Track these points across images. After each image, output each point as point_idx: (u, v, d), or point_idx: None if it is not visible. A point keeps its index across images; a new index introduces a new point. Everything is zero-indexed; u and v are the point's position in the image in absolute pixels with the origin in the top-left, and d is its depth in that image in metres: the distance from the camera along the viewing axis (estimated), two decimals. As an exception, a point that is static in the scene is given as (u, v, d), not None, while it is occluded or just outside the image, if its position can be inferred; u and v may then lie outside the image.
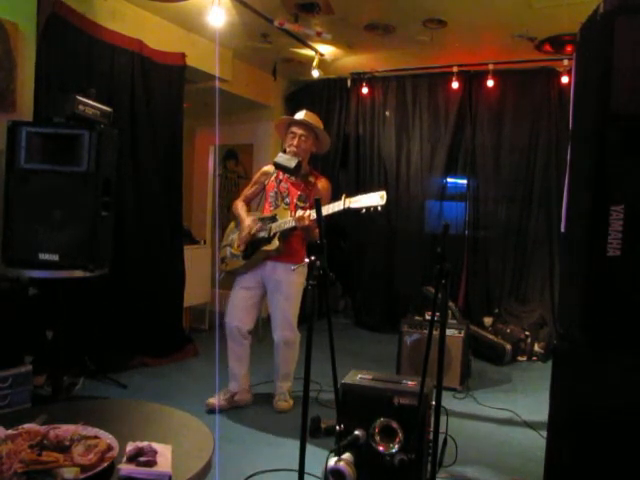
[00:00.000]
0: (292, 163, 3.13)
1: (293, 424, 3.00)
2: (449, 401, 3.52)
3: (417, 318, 4.00)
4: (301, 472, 1.83)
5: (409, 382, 2.34)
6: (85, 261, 2.94)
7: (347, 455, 1.94)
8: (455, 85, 5.33)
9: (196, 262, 4.91)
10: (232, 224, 3.50)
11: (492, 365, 4.56)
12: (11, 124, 2.94)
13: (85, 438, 1.41)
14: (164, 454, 1.41)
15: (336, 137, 5.85)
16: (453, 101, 5.48)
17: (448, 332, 3.57)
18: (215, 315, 4.67)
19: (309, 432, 2.23)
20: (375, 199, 2.75)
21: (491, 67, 5.11)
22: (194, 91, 4.93)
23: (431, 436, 1.99)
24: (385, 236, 5.76)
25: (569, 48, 4.48)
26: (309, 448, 1.96)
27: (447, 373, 3.64)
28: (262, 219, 3.29)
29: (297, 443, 1.88)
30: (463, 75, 5.36)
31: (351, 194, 2.88)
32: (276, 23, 4.16)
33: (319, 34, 4.35)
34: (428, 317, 3.91)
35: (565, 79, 4.93)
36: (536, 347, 4.82)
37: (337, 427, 2.02)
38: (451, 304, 4.10)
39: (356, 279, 6.00)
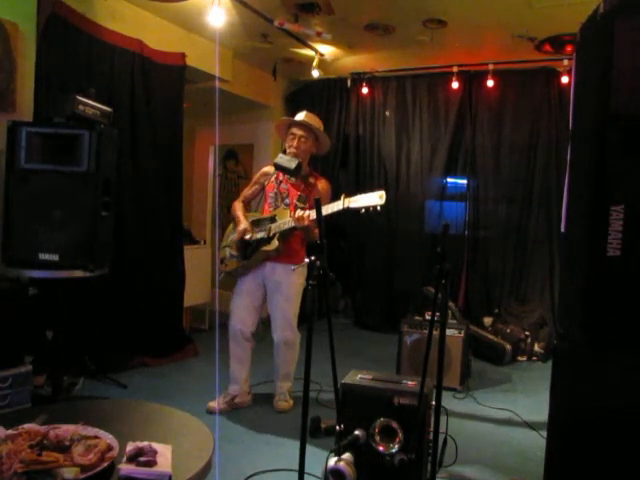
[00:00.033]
0: (292, 164, 3.13)
1: (293, 424, 3.00)
2: (449, 401, 3.52)
3: (417, 318, 4.00)
4: (301, 472, 1.83)
5: (409, 382, 2.34)
6: (85, 261, 2.94)
7: (347, 455, 1.95)
8: (455, 85, 5.33)
9: (196, 262, 4.91)
10: (232, 225, 3.50)
11: (492, 365, 4.56)
12: (11, 124, 2.94)
13: (85, 438, 1.41)
14: (164, 454, 1.41)
15: (336, 137, 5.84)
16: (453, 101, 5.48)
17: (448, 332, 3.57)
18: (215, 315, 4.68)
19: (309, 432, 2.23)
20: (374, 199, 2.75)
21: (491, 67, 5.10)
22: (194, 91, 4.93)
23: (431, 436, 1.99)
24: (385, 236, 5.76)
25: (569, 48, 4.48)
26: (309, 448, 1.97)
27: (447, 373, 3.64)
28: (261, 220, 3.29)
29: (297, 443, 1.88)
30: (463, 75, 5.35)
31: (351, 194, 2.88)
32: (276, 23, 4.16)
33: (319, 34, 4.35)
34: (428, 317, 3.91)
35: (565, 79, 4.93)
36: (536, 347, 4.82)
37: (337, 427, 2.02)
38: (451, 304, 4.10)
39: (356, 279, 6.00)
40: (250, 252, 3.27)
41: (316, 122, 3.34)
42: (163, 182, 4.33)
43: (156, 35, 4.24)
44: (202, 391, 3.51)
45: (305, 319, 1.94)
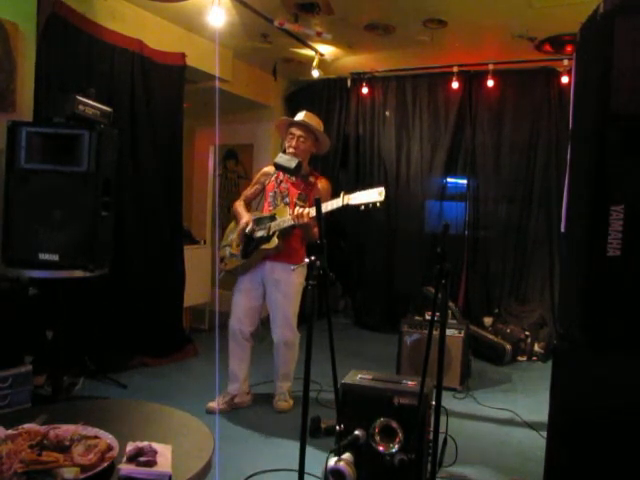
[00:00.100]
0: (292, 163, 3.14)
1: (293, 424, 3.00)
2: (449, 401, 3.52)
3: (417, 318, 4.00)
4: (301, 472, 1.83)
5: (409, 382, 2.34)
6: (85, 261, 2.94)
7: (347, 455, 1.94)
8: (455, 85, 5.33)
9: (196, 262, 4.91)
10: (232, 224, 3.50)
11: (492, 365, 4.56)
12: (11, 124, 2.94)
13: (85, 438, 1.41)
14: (164, 454, 1.41)
15: (336, 137, 5.84)
16: (453, 101, 5.48)
17: (448, 332, 3.57)
18: (215, 315, 4.68)
19: (309, 432, 2.23)
20: (374, 195, 2.75)
21: (491, 67, 5.10)
22: (194, 91, 4.93)
23: (431, 436, 1.99)
24: (385, 236, 5.76)
25: (569, 48, 4.48)
26: (309, 448, 1.97)
27: (447, 373, 3.64)
28: (261, 218, 3.30)
29: (297, 443, 1.88)
30: (463, 75, 5.35)
31: (350, 192, 2.89)
32: (276, 23, 4.16)
33: (319, 34, 4.35)
34: (428, 317, 3.91)
35: (565, 79, 4.93)
36: (536, 347, 4.82)
37: (337, 427, 2.02)
38: (451, 304, 4.10)
39: (356, 279, 6.00)
40: (250, 251, 3.28)
41: (315, 122, 3.35)
42: (163, 182, 4.33)
43: (156, 35, 4.24)
44: (202, 391, 3.51)
45: (305, 319, 1.94)
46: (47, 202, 2.90)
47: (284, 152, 3.27)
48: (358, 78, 5.79)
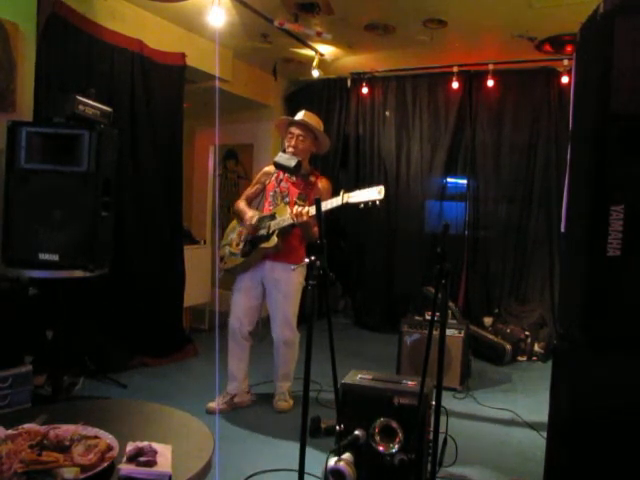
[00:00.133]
0: (292, 162, 3.14)
1: (293, 424, 3.00)
2: (449, 401, 3.52)
3: (417, 318, 4.00)
4: (301, 472, 1.83)
5: (409, 382, 2.34)
6: (85, 261, 2.94)
7: (347, 455, 1.94)
8: (455, 85, 5.33)
9: (196, 262, 4.91)
10: (233, 223, 3.51)
11: (492, 365, 4.56)
12: (11, 124, 2.94)
13: (85, 438, 1.41)
14: (164, 454, 1.41)
15: (336, 137, 5.84)
16: (453, 101, 5.48)
17: (448, 332, 3.57)
18: (215, 315, 4.68)
19: (309, 432, 2.23)
20: (373, 194, 2.75)
21: (491, 67, 5.10)
22: (194, 91, 4.93)
23: (431, 436, 1.99)
24: (385, 236, 5.76)
25: (569, 48, 4.48)
26: (309, 448, 1.96)
27: (447, 373, 3.64)
28: (261, 217, 3.30)
29: (297, 443, 1.88)
30: (463, 75, 5.35)
31: (350, 190, 2.89)
32: (276, 23, 4.16)
33: (319, 34, 4.35)
34: (428, 317, 3.91)
35: (565, 79, 4.93)
36: (536, 347, 4.82)
37: (337, 427, 2.02)
38: (451, 304, 4.10)
39: (356, 279, 6.00)
40: (249, 249, 3.28)
41: (315, 121, 3.35)
42: (163, 182, 4.33)
43: (156, 35, 4.24)
44: (202, 391, 3.51)
45: (305, 319, 1.94)
46: (47, 202, 2.90)
47: (284, 151, 3.28)
48: (358, 78, 5.79)
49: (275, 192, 3.34)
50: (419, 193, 5.67)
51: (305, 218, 3.03)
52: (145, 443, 1.42)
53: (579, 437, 1.65)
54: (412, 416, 2.15)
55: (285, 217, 3.15)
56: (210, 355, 3.72)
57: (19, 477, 1.25)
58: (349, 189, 2.89)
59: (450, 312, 3.92)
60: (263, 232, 3.23)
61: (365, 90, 5.76)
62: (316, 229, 3.04)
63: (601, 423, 1.61)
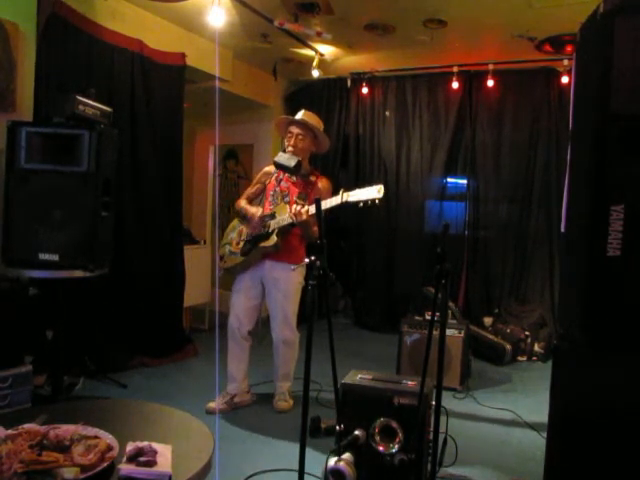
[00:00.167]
0: (292, 162, 3.15)
1: (293, 424, 3.00)
2: (449, 401, 3.52)
3: (417, 318, 4.00)
4: (301, 472, 1.83)
5: (409, 382, 2.34)
6: (85, 261, 2.94)
7: (347, 455, 1.95)
8: (455, 85, 5.33)
9: (196, 262, 4.91)
10: (233, 222, 3.51)
11: (492, 365, 4.56)
12: (11, 124, 2.94)
13: (85, 438, 1.41)
14: (164, 454, 1.41)
15: (336, 137, 5.84)
16: (453, 101, 5.48)
17: (448, 332, 3.57)
18: (215, 315, 4.68)
19: (309, 432, 2.23)
20: (373, 193, 2.76)
21: (491, 67, 5.10)
22: (194, 91, 4.93)
23: (431, 436, 1.99)
24: (385, 236, 5.76)
25: (569, 48, 4.48)
26: (309, 448, 1.97)
27: (447, 373, 3.64)
28: (261, 217, 3.30)
29: (297, 443, 1.88)
30: (463, 75, 5.35)
31: (350, 190, 2.89)
32: (276, 23, 4.16)
33: (319, 34, 4.34)
34: (428, 317, 3.91)
35: (565, 79, 4.93)
36: (536, 347, 4.82)
37: (337, 427, 2.02)
38: (451, 304, 4.10)
39: (356, 279, 6.00)
40: (249, 248, 3.28)
41: (314, 120, 3.35)
42: (163, 182, 4.33)
43: (156, 35, 4.24)
44: (202, 391, 3.51)
45: (305, 319, 1.94)
46: (47, 202, 2.90)
47: (284, 151, 3.28)
48: (358, 78, 5.79)
49: (275, 192, 3.34)
50: (419, 193, 5.67)
51: (304, 217, 3.03)
52: (145, 443, 1.42)
53: (579, 437, 1.65)
54: (412, 416, 2.15)
55: (285, 216, 3.15)
56: (210, 355, 3.73)
57: (19, 477, 1.25)
58: (349, 189, 2.89)
59: (450, 312, 3.92)
60: (263, 231, 3.23)
61: (365, 90, 5.75)
62: (316, 228, 3.04)
63: (601, 423, 1.61)
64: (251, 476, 2.53)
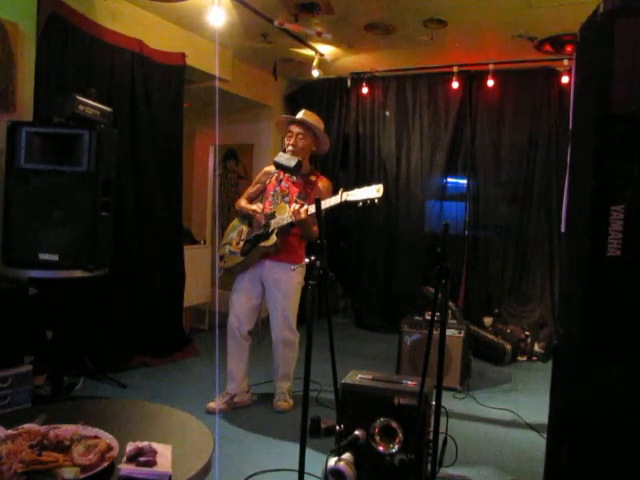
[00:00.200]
0: (292, 162, 3.15)
1: (293, 424, 3.00)
2: (449, 401, 3.52)
3: (417, 318, 4.00)
4: (301, 472, 1.83)
5: (409, 382, 2.34)
6: (85, 261, 2.94)
7: (347, 455, 1.94)
8: (455, 85, 5.33)
9: (196, 262, 4.91)
10: (233, 222, 3.51)
11: (492, 365, 4.56)
12: (11, 124, 2.94)
13: (85, 438, 1.41)
14: (164, 454, 1.41)
15: (336, 137, 5.84)
16: (453, 101, 5.48)
17: (448, 332, 3.57)
18: (215, 315, 4.68)
19: (309, 432, 2.23)
20: (372, 192, 2.76)
21: (491, 67, 5.10)
22: (194, 91, 4.93)
23: (431, 436, 1.99)
24: (385, 236, 5.76)
25: (569, 48, 4.48)
26: (309, 448, 1.97)
27: (447, 373, 3.64)
28: (264, 214, 3.29)
29: (297, 443, 1.88)
30: (463, 75, 5.35)
31: (349, 189, 2.89)
32: (276, 23, 4.16)
33: (319, 34, 4.34)
34: (428, 317, 3.91)
35: (565, 79, 4.92)
36: (536, 347, 4.82)
37: (337, 427, 2.02)
38: (451, 304, 4.10)
39: (356, 279, 6.00)
40: (249, 248, 3.28)
41: (314, 120, 3.35)
42: (163, 182, 4.33)
43: (156, 35, 4.24)
44: (202, 391, 3.51)
45: (305, 319, 1.94)
46: (47, 202, 2.90)
47: (284, 151, 3.28)
48: (358, 78, 5.79)
49: (275, 191, 3.34)
50: (419, 193, 5.67)
51: (303, 216, 3.03)
52: (145, 443, 1.42)
53: (579, 437, 1.65)
54: (412, 416, 2.15)
55: (284, 216, 3.15)
56: (210, 355, 3.73)
57: (19, 477, 1.25)
58: (348, 189, 2.90)
59: (450, 312, 3.92)
60: (263, 231, 3.23)
61: (365, 90, 5.75)
62: (316, 228, 3.04)
63: (601, 423, 1.61)
64: (251, 476, 2.53)
